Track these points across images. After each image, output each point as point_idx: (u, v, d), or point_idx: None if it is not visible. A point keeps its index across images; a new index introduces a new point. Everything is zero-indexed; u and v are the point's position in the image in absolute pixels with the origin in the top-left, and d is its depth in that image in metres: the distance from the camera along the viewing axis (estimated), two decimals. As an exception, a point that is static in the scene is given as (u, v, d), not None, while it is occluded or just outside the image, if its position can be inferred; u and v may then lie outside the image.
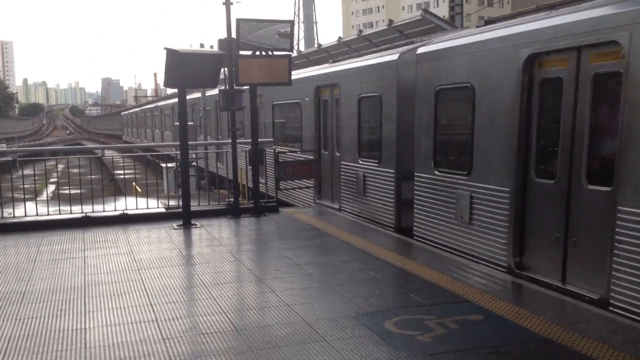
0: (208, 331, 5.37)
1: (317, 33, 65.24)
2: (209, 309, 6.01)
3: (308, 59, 24.65)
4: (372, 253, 8.24)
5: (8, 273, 7.60)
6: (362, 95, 11.56)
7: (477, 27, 9.31)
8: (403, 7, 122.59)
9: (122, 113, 72.43)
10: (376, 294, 6.36)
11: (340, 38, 21.05)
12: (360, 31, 19.69)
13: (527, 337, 5.09)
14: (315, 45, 28.20)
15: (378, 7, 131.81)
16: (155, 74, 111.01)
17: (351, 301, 6.14)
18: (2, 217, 10.76)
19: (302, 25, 63.92)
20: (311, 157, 13.37)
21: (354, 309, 5.90)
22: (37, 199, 12.88)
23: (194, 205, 11.19)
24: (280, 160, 12.22)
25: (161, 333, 5.34)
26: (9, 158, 22.17)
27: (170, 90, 47.58)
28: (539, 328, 5.29)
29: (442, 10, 78.30)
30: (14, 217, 10.81)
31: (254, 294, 6.65)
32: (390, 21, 17.44)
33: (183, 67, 10.09)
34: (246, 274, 7.48)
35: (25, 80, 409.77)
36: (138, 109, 54.25)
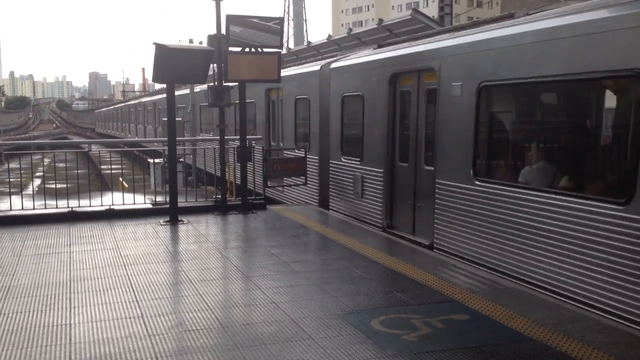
0: (194, 328, 5.35)
1: (306, 31, 65.18)
2: (195, 305, 6.00)
3: (297, 57, 24.66)
4: (359, 251, 8.25)
5: (-8, 267, 7.54)
6: (297, 97, 13.93)
7: (373, 49, 11.83)
8: (393, 6, 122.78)
9: (96, 111, 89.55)
10: (363, 293, 6.37)
11: (329, 36, 21.07)
12: (350, 29, 19.71)
13: (513, 338, 5.12)
14: (305, 43, 28.20)
15: (368, 6, 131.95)
16: (143, 69, 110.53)
17: (338, 299, 6.14)
18: (-13, 211, 10.67)
19: (291, 23, 63.79)
20: (300, 154, 13.37)
21: (340, 307, 5.90)
22: (23, 193, 12.79)
23: (181, 202, 11.15)
24: (269, 157, 12.21)
25: (147, 329, 5.31)
26: (-6, 151, 21.99)
27: (158, 86, 47.56)
28: (524, 328, 5.32)
29: (432, 10, 78.54)
30: (-1, 211, 10.73)
31: (241, 291, 6.64)
32: (380, 20, 17.47)
33: (172, 63, 10.04)
34: (233, 271, 7.47)
35: (11, 73, 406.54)
36: (105, 109, 76.34)
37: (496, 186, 7.58)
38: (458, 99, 8.32)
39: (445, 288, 6.53)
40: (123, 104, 58.07)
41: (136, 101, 48.42)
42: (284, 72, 14.01)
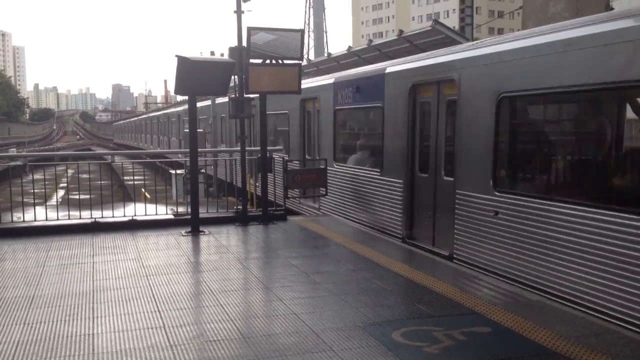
0: (215, 339, 5.37)
1: (327, 42, 65.41)
2: (217, 316, 6.02)
3: (318, 68, 24.73)
4: (379, 262, 8.23)
5: (17, 278, 7.64)
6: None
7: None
8: (413, 17, 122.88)
9: (114, 124, 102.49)
10: (383, 304, 6.35)
11: (350, 47, 21.09)
12: (370, 41, 19.72)
13: (536, 351, 5.06)
14: (325, 54, 28.29)
15: (388, 17, 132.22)
16: (165, 81, 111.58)
17: (358, 311, 6.13)
18: (12, 222, 10.82)
19: (312, 34, 64.04)
20: (321, 165, 13.39)
21: (361, 318, 5.89)
22: (47, 203, 12.94)
23: (203, 212, 11.22)
24: (289, 168, 12.25)
25: (169, 340, 5.35)
26: (19, 163, 22.29)
27: (180, 98, 48.29)
28: (547, 341, 5.26)
29: (453, 21, 78.43)
30: (24, 221, 10.87)
31: (261, 302, 6.65)
32: (401, 31, 17.46)
33: (194, 75, 10.14)
34: (254, 281, 7.49)
35: (36, 86, 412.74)
36: (122, 122, 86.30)
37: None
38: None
39: (466, 300, 6.48)
40: (136, 118, 69.56)
41: (152, 114, 55.23)
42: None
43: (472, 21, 22.23)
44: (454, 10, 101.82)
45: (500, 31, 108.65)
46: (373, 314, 6.01)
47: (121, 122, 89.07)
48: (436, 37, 15.84)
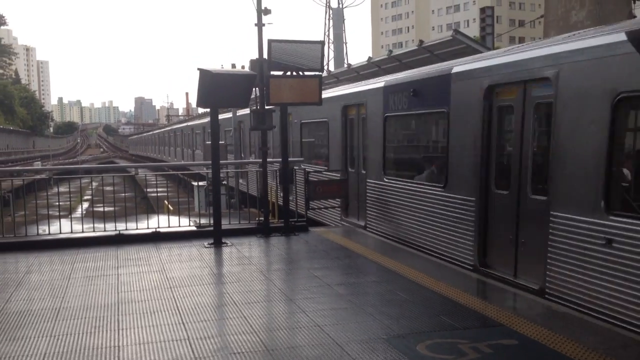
0: (239, 351, 5.38)
1: (346, 53, 65.47)
2: (240, 328, 6.03)
3: (338, 79, 24.75)
4: (402, 274, 8.19)
5: (43, 290, 7.72)
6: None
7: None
8: (433, 27, 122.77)
9: (129, 138, 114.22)
10: (407, 316, 6.31)
11: (370, 58, 21.12)
12: (390, 51, 19.74)
13: (563, 363, 4.99)
14: (345, 65, 28.34)
15: (408, 28, 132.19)
16: (187, 94, 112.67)
17: (382, 323, 6.10)
18: (37, 234, 10.95)
19: (332, 46, 64.25)
20: (341, 176, 13.38)
21: (385, 330, 5.86)
22: (72, 216, 13.09)
23: (225, 224, 11.26)
24: (311, 179, 12.26)
25: (193, 352, 5.36)
26: (44, 176, 22.60)
27: (201, 110, 48.88)
28: (575, 354, 5.19)
29: (473, 31, 78.19)
30: (49, 234, 11.00)
31: (285, 313, 6.65)
32: (421, 41, 17.44)
33: (215, 87, 10.22)
34: (276, 293, 7.49)
35: (60, 99, 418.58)
36: (136, 136, 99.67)
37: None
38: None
39: (492, 312, 6.42)
40: (148, 133, 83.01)
41: (158, 130, 67.04)
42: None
43: (492, 30, 22.16)
44: (474, 19, 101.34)
45: (521, 40, 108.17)
46: (397, 326, 5.97)
47: (135, 136, 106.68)
48: (457, 46, 15.79)
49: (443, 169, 9.79)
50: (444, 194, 9.53)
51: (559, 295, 7.05)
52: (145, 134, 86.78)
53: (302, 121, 16.26)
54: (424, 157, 11.13)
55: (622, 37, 6.30)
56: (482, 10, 23.97)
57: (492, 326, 5.95)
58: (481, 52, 12.22)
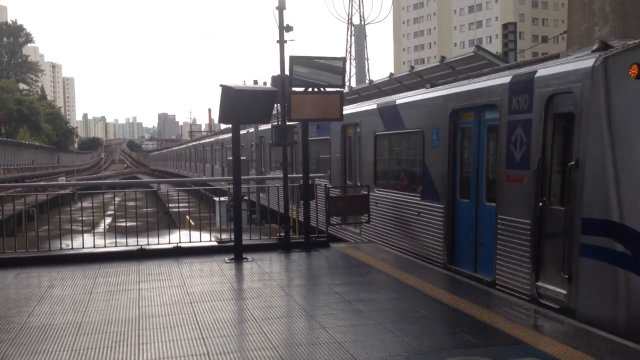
0: (259, 367, 5.36)
1: (368, 69, 65.78)
2: (260, 344, 6.02)
3: (359, 95, 24.79)
4: (423, 291, 8.13)
5: (65, 304, 7.79)
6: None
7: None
8: (455, 43, 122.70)
9: (150, 154, 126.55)
10: (428, 333, 6.25)
11: (391, 74, 21.14)
12: (412, 67, 19.75)
13: (587, 382, 4.90)
14: (367, 81, 28.41)
15: (430, 44, 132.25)
16: (209, 110, 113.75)
17: (402, 340, 6.05)
18: (61, 249, 11.07)
19: (353, 62, 64.54)
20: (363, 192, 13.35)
21: (405, 348, 5.81)
22: (94, 231, 13.21)
23: (246, 239, 11.28)
24: (331, 195, 12.26)
25: (212, 367, 5.36)
26: (68, 191, 22.88)
27: (223, 126, 49.63)
28: (598, 373, 5.09)
29: (495, 47, 77.99)
30: (72, 249, 11.10)
31: (304, 330, 6.63)
32: (443, 57, 17.43)
33: (237, 104, 10.29)
34: (296, 309, 7.47)
35: (85, 116, 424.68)
36: (156, 153, 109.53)
37: None
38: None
39: (513, 329, 6.33)
40: (168, 150, 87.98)
41: (176, 147, 70.54)
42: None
43: (515, 46, 22.08)
44: (496, 35, 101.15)
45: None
46: (417, 343, 5.92)
47: (155, 152, 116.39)
48: (479, 62, 15.75)
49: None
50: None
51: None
52: (164, 151, 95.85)
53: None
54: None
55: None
56: (505, 26, 23.90)
57: (514, 344, 5.87)
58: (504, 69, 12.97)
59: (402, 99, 12.51)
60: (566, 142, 7.37)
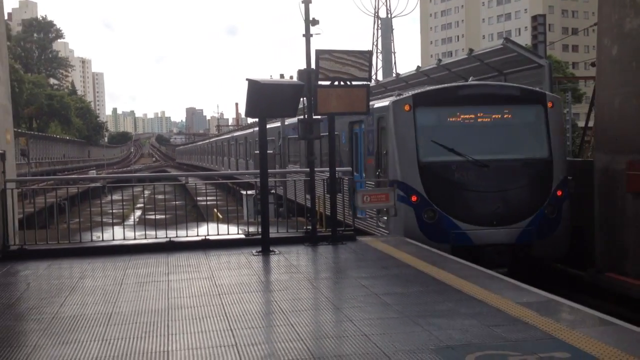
0: (286, 358, 5.39)
1: (395, 63, 65.29)
2: (287, 335, 6.04)
3: (386, 88, 24.69)
4: (451, 284, 8.07)
5: (96, 295, 7.91)
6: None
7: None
8: (483, 35, 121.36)
9: (176, 148, 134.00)
10: (456, 327, 6.22)
11: (418, 67, 21.01)
12: (440, 60, 19.60)
13: (618, 378, 4.83)
14: (394, 75, 28.27)
15: (457, 36, 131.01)
16: (236, 104, 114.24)
17: (430, 333, 6.02)
18: (92, 241, 11.23)
19: (380, 55, 64.18)
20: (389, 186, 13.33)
21: (433, 341, 5.78)
22: (124, 223, 13.38)
23: (273, 232, 11.33)
24: (358, 188, 12.23)
25: (240, 358, 5.40)
26: (98, 184, 23.17)
27: (250, 120, 50.07)
28: (630, 368, 5.02)
29: (525, 39, 76.96)
30: (103, 241, 11.26)
31: (331, 322, 6.64)
32: (471, 50, 17.26)
33: (264, 97, 10.32)
34: (324, 302, 7.49)
35: (114, 110, 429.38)
36: (182, 147, 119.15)
37: None
38: None
39: (543, 324, 6.26)
40: (192, 144, 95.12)
41: (206, 141, 72.24)
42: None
43: (544, 39, 21.72)
44: (525, 27, 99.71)
45: (575, 48, 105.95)
46: (445, 337, 5.89)
47: (181, 147, 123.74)
48: (508, 55, 15.56)
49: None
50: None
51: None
52: (189, 145, 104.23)
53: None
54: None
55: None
56: (534, 18, 23.52)
57: (544, 339, 5.80)
58: (533, 61, 14.91)
59: None
60: (383, 142, 12.82)
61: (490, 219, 11.66)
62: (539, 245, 11.89)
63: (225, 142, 46.06)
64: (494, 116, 12.41)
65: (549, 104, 12.44)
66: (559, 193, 12.10)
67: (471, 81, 14.52)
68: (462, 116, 12.28)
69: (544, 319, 6.43)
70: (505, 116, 12.41)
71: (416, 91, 12.97)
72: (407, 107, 11.94)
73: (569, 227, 12.36)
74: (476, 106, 12.34)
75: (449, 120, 12.31)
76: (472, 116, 12.41)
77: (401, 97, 12.65)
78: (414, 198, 11.53)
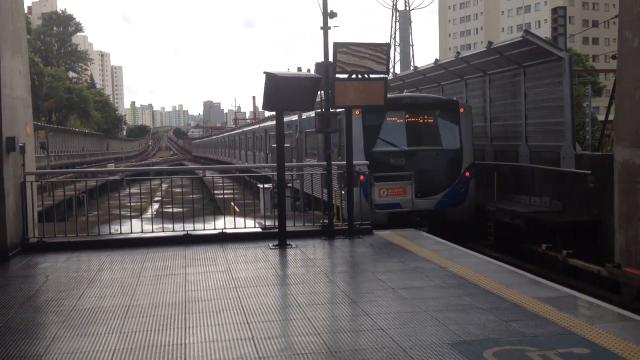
0: (303, 352, 5.39)
1: (413, 56, 64.99)
2: (304, 329, 6.04)
3: (404, 82, 24.55)
4: (469, 279, 8.02)
5: (114, 287, 7.97)
6: None
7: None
8: (502, 28, 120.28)
9: (192, 142, 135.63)
10: (474, 322, 6.18)
11: (437, 60, 20.86)
12: (458, 53, 19.43)
13: (638, 375, 4.77)
14: (412, 68, 28.09)
15: (476, 29, 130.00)
16: (254, 97, 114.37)
17: (447, 328, 5.99)
18: (110, 234, 11.31)
19: (398, 48, 63.88)
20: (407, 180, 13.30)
21: (450, 336, 5.75)
22: (142, 216, 13.46)
23: (289, 226, 11.33)
24: (375, 183, 12.20)
25: (257, 352, 5.41)
26: (117, 177, 23.33)
27: (267, 113, 50.27)
28: (651, 365, 4.95)
29: (544, 32, 76.16)
30: (121, 233, 11.33)
31: (348, 316, 6.63)
32: (490, 43, 17.10)
33: (281, 91, 10.29)
34: (340, 296, 7.48)
35: (132, 103, 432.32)
36: (198, 140, 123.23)
37: None
38: None
39: (562, 319, 6.20)
40: (207, 138, 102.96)
41: (220, 135, 76.07)
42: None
43: (564, 31, 21.50)
44: (545, 20, 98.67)
45: (595, 41, 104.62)
46: (463, 332, 5.85)
47: (197, 140, 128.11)
48: (527, 47, 15.39)
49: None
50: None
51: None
52: (204, 139, 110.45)
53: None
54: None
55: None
56: (554, 10, 23.31)
57: (563, 334, 5.75)
58: (553, 54, 14.76)
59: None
60: (341, 137, 15.31)
61: (415, 191, 13.60)
62: (451, 212, 15.76)
63: (237, 136, 52.05)
64: (419, 118, 16.31)
65: (461, 110, 16.32)
66: (467, 174, 15.98)
67: (405, 94, 20.54)
68: (396, 118, 16.09)
69: (563, 314, 6.37)
70: (428, 119, 16.40)
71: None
72: (357, 112, 14.83)
73: (475, 198, 16.28)
74: (407, 111, 16.16)
75: (387, 121, 16.11)
76: (403, 120, 16.15)
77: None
78: (361, 177, 13.57)
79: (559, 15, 22.00)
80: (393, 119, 16.18)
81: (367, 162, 14.95)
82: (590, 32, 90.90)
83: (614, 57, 14.57)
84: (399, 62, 62.09)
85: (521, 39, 14.92)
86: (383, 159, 15.63)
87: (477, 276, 8.16)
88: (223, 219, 12.01)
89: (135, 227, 11.51)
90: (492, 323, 6.18)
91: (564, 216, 14.53)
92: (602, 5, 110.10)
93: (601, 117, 36.89)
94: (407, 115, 16.18)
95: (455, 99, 18.06)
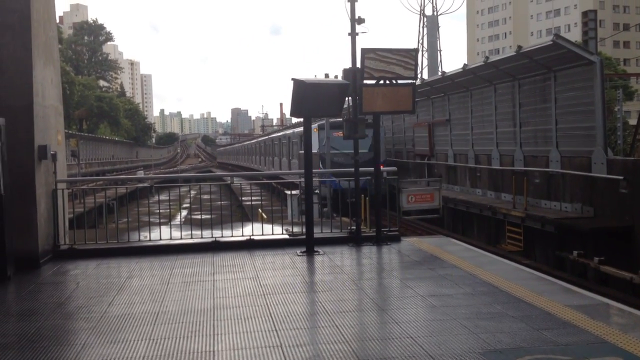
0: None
1: (441, 61, 64.67)
2: (332, 337, 6.00)
3: (432, 87, 24.46)
4: (499, 287, 7.91)
5: (144, 294, 8.02)
6: None
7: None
8: (532, 32, 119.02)
9: (217, 149, 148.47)
10: (505, 331, 6.08)
11: (465, 65, 20.70)
12: (487, 58, 19.26)
13: (676, 386, 4.64)
14: (439, 73, 27.95)
15: (505, 34, 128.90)
16: (281, 104, 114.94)
17: (478, 337, 5.90)
18: (139, 241, 11.41)
19: (426, 54, 63.62)
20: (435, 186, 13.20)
21: (481, 345, 5.66)
22: (171, 223, 13.55)
23: (317, 233, 11.31)
24: (403, 189, 12.13)
25: (285, 359, 5.38)
26: (146, 184, 23.57)
27: (295, 120, 50.48)
28: (689, 376, 4.81)
29: (574, 36, 75.21)
30: (150, 240, 11.42)
31: (377, 324, 6.58)
32: (519, 47, 16.92)
33: (309, 97, 10.31)
34: (368, 303, 7.43)
35: (162, 111, 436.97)
36: (222, 148, 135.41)
37: None
38: None
39: (595, 328, 6.07)
40: (232, 146, 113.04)
41: (243, 143, 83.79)
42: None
43: (595, 34, 21.18)
44: (575, 24, 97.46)
45: (626, 44, 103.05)
46: (494, 341, 5.77)
47: (221, 148, 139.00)
48: (557, 52, 15.21)
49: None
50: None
51: None
52: (228, 147, 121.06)
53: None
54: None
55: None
56: (584, 14, 22.98)
57: (596, 343, 5.63)
58: (585, 58, 14.33)
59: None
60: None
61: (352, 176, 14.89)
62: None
63: (256, 144, 58.25)
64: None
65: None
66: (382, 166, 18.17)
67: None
68: (340, 134, 19.07)
69: (595, 323, 6.24)
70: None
71: (318, 123, 25.66)
72: (315, 130, 19.62)
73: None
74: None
75: (334, 135, 22.82)
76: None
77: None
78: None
79: (589, 19, 21.69)
80: (338, 133, 21.36)
81: (395, 168, 14.91)
82: (621, 35, 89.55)
83: (646, 61, 14.35)
84: (426, 67, 61.85)
85: (551, 43, 14.74)
86: (333, 158, 22.60)
87: (507, 283, 8.04)
88: (251, 226, 12.05)
89: (164, 234, 11.59)
90: (524, 332, 6.08)
91: (596, 222, 14.29)
92: (634, 9, 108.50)
93: (633, 122, 36.23)
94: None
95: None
